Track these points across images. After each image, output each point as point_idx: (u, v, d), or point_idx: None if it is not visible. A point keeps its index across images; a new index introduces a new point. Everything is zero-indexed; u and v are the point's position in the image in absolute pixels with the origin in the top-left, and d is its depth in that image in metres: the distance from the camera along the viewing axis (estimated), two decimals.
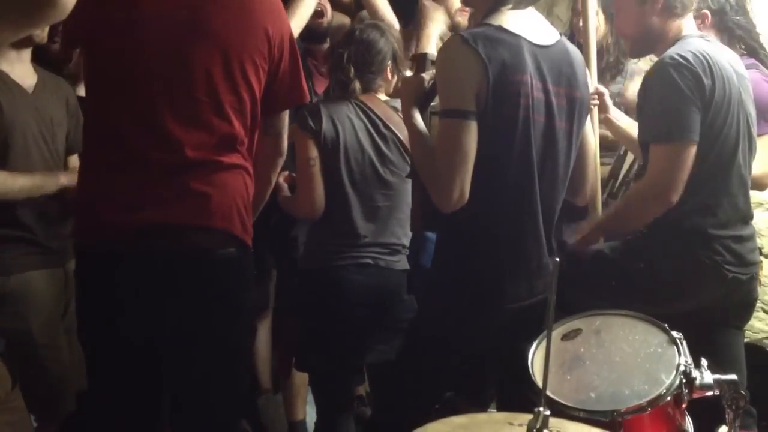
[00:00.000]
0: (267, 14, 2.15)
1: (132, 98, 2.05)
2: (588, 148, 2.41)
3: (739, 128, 2.52)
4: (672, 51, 2.49)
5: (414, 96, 2.28)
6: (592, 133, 2.45)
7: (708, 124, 2.44)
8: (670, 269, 2.49)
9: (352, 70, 2.85)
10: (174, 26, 2.04)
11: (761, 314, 3.75)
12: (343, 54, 2.86)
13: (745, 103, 2.57)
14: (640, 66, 3.32)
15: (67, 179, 2.79)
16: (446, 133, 2.13)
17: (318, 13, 3.38)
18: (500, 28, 2.16)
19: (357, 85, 2.86)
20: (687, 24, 2.60)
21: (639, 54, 2.83)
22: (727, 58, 2.57)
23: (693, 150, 2.42)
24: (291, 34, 2.23)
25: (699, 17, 2.96)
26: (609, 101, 2.90)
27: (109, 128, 2.08)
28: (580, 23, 2.98)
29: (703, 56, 2.45)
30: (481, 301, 2.22)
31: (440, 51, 2.23)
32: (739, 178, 2.55)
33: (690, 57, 2.43)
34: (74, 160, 2.98)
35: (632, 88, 3.16)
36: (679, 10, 2.56)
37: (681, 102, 2.41)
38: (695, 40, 2.55)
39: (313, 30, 3.33)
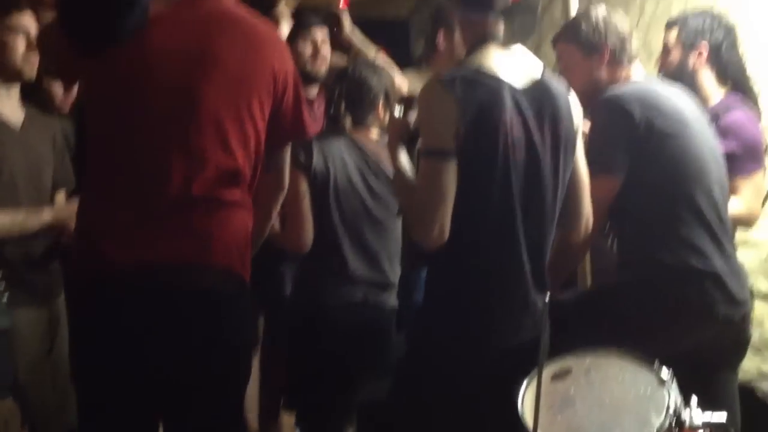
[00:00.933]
0: (273, 51, 2.17)
1: (139, 134, 2.04)
2: (580, 183, 2.42)
3: (698, 163, 2.53)
4: (614, 89, 2.56)
5: (399, 136, 2.33)
6: (584, 168, 2.48)
7: (653, 160, 2.48)
8: (660, 310, 2.48)
9: (344, 104, 2.88)
10: (183, 62, 2.05)
11: (749, 354, 3.72)
12: (336, 89, 2.90)
13: (703, 137, 2.58)
14: None
15: (50, 215, 2.77)
16: (426, 172, 2.18)
17: (315, 56, 3.40)
18: (478, 71, 2.20)
19: (348, 120, 2.88)
20: (635, 71, 2.65)
21: (590, 104, 2.86)
22: (677, 97, 2.61)
23: (614, 184, 2.48)
24: (295, 71, 2.25)
25: (696, 50, 3.00)
26: None
27: (114, 163, 2.07)
28: None
29: (642, 94, 2.51)
30: (468, 340, 2.22)
31: (420, 93, 2.28)
32: (712, 210, 2.54)
33: (626, 92, 2.50)
34: (60, 196, 2.97)
35: None
36: (625, 62, 2.62)
37: (605, 139, 2.49)
38: (641, 82, 2.61)
39: (305, 73, 3.35)
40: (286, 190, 2.37)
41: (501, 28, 2.26)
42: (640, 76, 2.66)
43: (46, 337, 2.84)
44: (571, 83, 2.69)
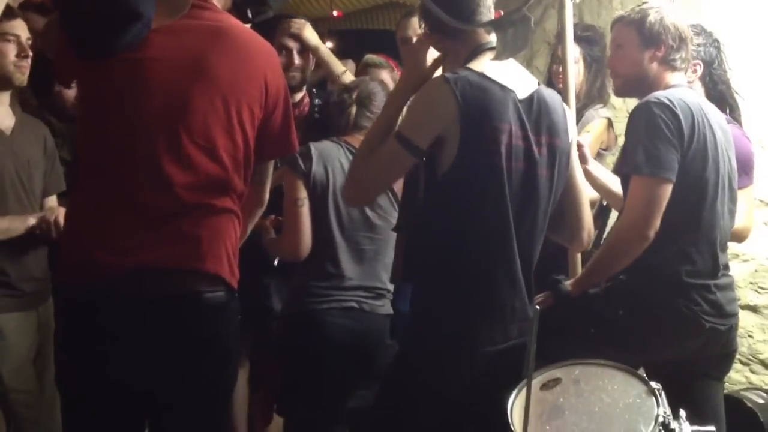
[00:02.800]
0: (266, 63, 2.18)
1: (131, 141, 2.04)
2: (579, 195, 2.41)
3: (719, 179, 2.54)
4: (659, 92, 2.53)
5: (413, 83, 2.28)
6: (582, 180, 2.46)
7: (685, 169, 2.47)
8: (648, 317, 2.49)
9: (356, 94, 2.91)
10: (176, 70, 2.05)
11: (738, 365, 3.77)
12: (350, 86, 2.97)
13: (728, 156, 2.59)
14: (600, 113, 3.36)
15: (36, 220, 2.77)
16: (389, 152, 2.20)
17: (288, 67, 3.37)
18: (483, 75, 2.19)
19: (354, 110, 2.91)
20: (678, 76, 2.65)
21: (625, 94, 2.86)
22: (711, 111, 2.61)
23: (668, 187, 2.45)
24: (286, 86, 2.26)
25: (690, 66, 3.01)
26: (588, 153, 2.92)
27: (105, 169, 2.07)
28: (560, 70, 3.03)
29: (688, 104, 2.50)
30: (455, 345, 2.21)
31: (424, 86, 2.25)
32: (720, 229, 2.56)
33: (675, 101, 2.48)
34: (51, 201, 2.96)
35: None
36: (678, 64, 2.62)
37: (661, 139, 2.45)
38: (683, 89, 2.60)
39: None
40: (264, 206, 2.35)
41: (494, 39, 2.27)
42: (683, 82, 2.66)
43: (33, 342, 2.83)
44: (619, 66, 2.69)
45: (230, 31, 2.14)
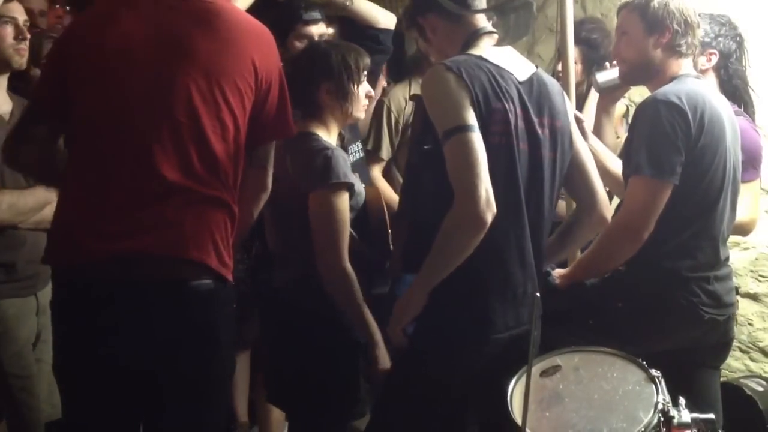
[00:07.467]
0: (254, 45, 2.14)
1: (113, 125, 2.02)
2: (586, 164, 2.39)
3: (725, 173, 2.51)
4: (667, 88, 2.49)
5: None
6: (587, 152, 2.43)
7: (692, 166, 2.43)
8: (647, 309, 2.48)
9: None
10: (158, 52, 2.03)
11: (737, 353, 3.77)
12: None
13: (734, 148, 2.56)
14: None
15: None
16: (457, 150, 2.09)
17: None
18: (481, 58, 2.18)
19: None
20: (686, 64, 2.60)
21: (632, 82, 2.81)
22: (720, 103, 2.57)
23: (668, 191, 2.42)
24: (281, 69, 2.22)
25: (705, 54, 2.95)
26: (587, 129, 2.89)
27: (89, 154, 2.05)
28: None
29: (697, 98, 2.45)
30: (468, 333, 2.19)
31: (424, 82, 2.22)
32: (722, 222, 2.55)
33: (684, 97, 2.43)
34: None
35: None
36: (683, 49, 2.56)
37: (665, 142, 2.41)
38: (691, 80, 2.55)
39: None
40: (269, 191, 2.29)
41: (492, 24, 2.25)
42: (690, 70, 2.61)
43: (32, 327, 2.83)
44: (624, 53, 2.64)
45: (216, 12, 2.11)
